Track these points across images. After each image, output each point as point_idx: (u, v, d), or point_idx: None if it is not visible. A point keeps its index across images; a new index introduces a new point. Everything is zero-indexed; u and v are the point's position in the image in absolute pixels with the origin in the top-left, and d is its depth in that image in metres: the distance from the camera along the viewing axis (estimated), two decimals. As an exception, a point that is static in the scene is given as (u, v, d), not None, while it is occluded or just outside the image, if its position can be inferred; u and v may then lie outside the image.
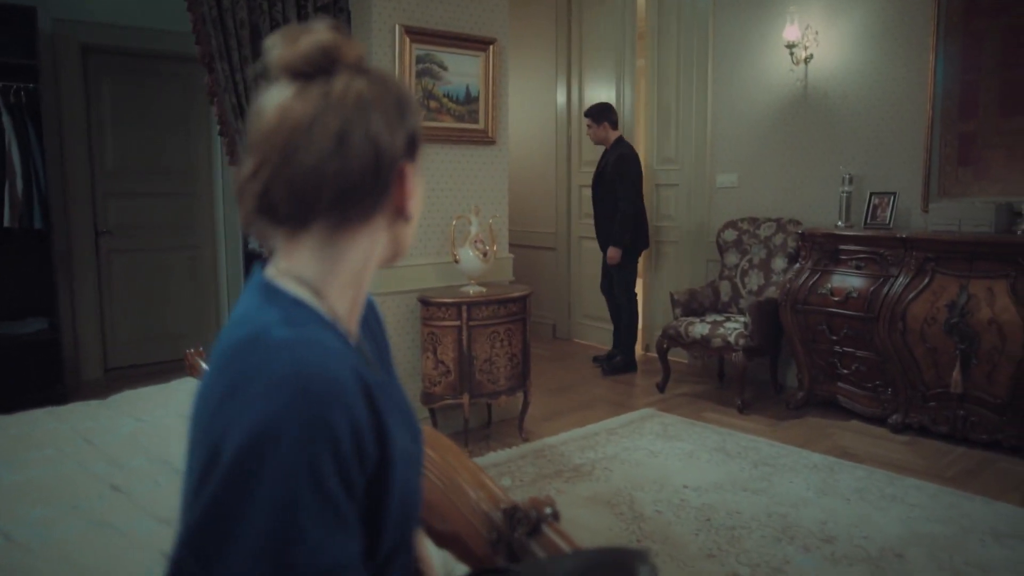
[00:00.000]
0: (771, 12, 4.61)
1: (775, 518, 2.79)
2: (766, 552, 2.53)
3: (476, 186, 3.87)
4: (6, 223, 4.10)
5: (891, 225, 3.98)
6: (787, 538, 2.63)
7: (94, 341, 4.88)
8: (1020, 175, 3.68)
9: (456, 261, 3.57)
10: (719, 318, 4.41)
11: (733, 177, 4.92)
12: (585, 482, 3.14)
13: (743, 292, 4.61)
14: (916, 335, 3.58)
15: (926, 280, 3.58)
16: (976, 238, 3.43)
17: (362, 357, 0.86)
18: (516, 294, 3.60)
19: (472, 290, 3.55)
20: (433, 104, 3.65)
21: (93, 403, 2.42)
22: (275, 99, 0.78)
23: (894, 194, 4.03)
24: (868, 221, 4.08)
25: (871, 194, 4.13)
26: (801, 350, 4.11)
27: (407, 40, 3.51)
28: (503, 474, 3.22)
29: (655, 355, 4.87)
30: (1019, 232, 3.44)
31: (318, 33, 0.79)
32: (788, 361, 4.54)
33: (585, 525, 2.72)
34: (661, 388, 4.56)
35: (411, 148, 0.85)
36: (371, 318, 1.01)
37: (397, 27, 3.48)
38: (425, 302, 3.48)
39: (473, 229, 3.57)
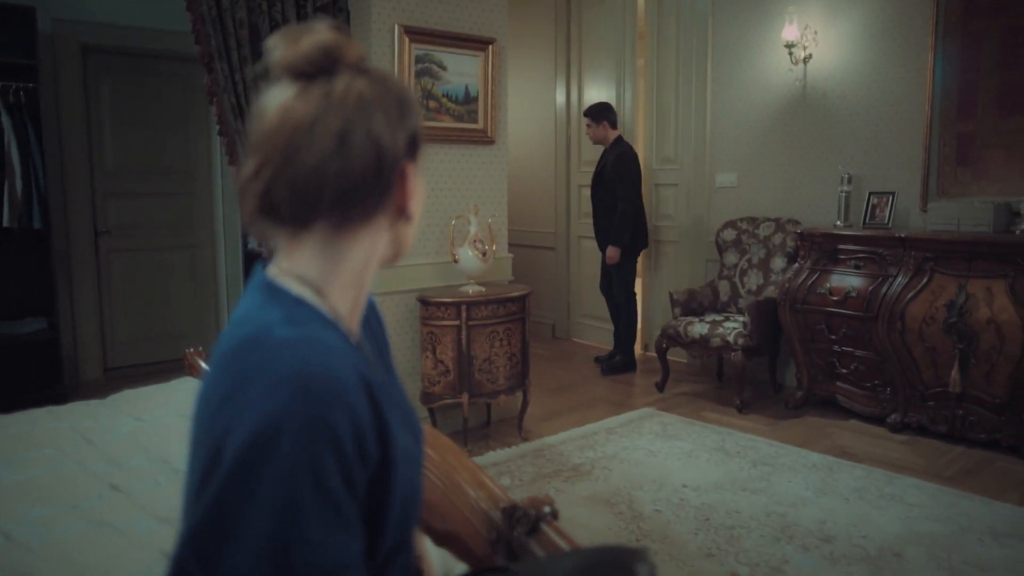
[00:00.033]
0: (770, 12, 4.61)
1: (774, 517, 2.79)
2: (765, 551, 2.54)
3: (475, 186, 3.87)
4: (5, 223, 4.09)
5: (890, 225, 3.98)
6: (786, 537, 2.64)
7: (93, 341, 4.88)
8: (1018, 175, 3.69)
9: (455, 261, 3.58)
10: (718, 318, 4.41)
11: (732, 177, 4.93)
12: (584, 481, 3.15)
13: (742, 292, 4.61)
14: (915, 335, 3.58)
15: (925, 280, 3.58)
16: (975, 238, 3.44)
17: (364, 356, 0.86)
18: (515, 294, 3.61)
19: (471, 290, 3.55)
20: (432, 104, 3.65)
21: (93, 403, 2.42)
22: (277, 99, 0.78)
23: (893, 194, 4.03)
24: (867, 221, 4.09)
25: (870, 194, 4.13)
26: (800, 350, 4.12)
27: (406, 40, 3.52)
28: (502, 473, 3.22)
29: (654, 355, 4.87)
30: (1017, 232, 3.44)
31: (319, 33, 0.79)
32: (787, 361, 4.54)
33: (584, 524, 2.73)
34: (660, 388, 4.56)
35: (412, 148, 0.85)
36: (372, 318, 1.01)
37: (396, 27, 3.48)
38: (424, 302, 3.49)
39: (472, 229, 3.57)
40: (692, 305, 4.59)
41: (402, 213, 0.86)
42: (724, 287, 4.70)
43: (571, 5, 5.89)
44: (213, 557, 0.69)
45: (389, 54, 3.50)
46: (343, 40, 0.80)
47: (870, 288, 3.77)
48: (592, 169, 5.23)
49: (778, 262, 4.47)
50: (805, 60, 4.43)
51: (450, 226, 3.69)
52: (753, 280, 4.57)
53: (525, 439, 3.71)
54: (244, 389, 0.72)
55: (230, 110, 3.21)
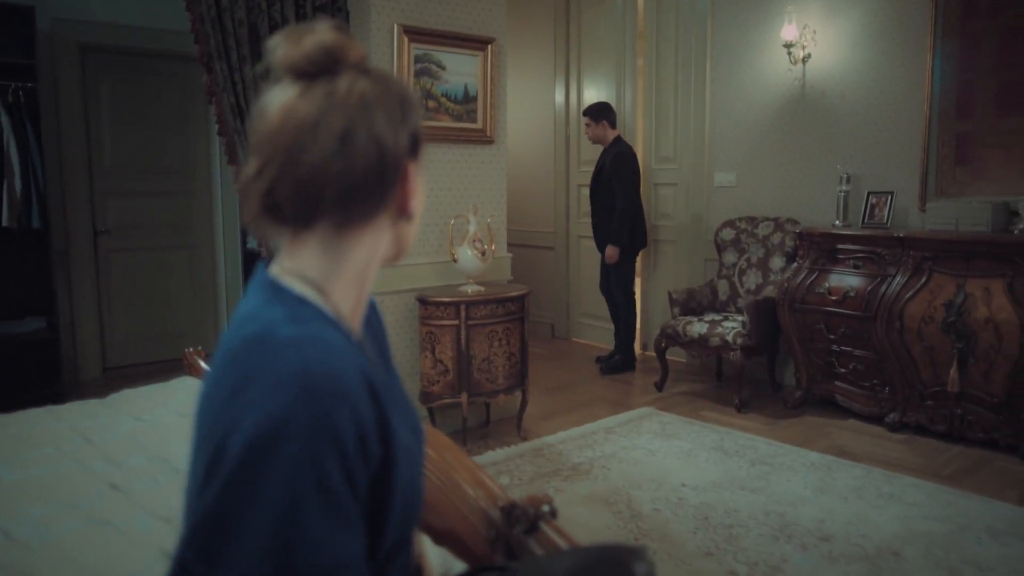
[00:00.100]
0: (769, 12, 4.62)
1: (773, 516, 2.80)
2: (763, 550, 2.54)
3: (474, 185, 3.87)
4: (4, 222, 4.09)
5: (888, 224, 3.99)
6: (784, 536, 2.64)
7: (93, 340, 4.88)
8: (1017, 175, 3.69)
9: (454, 260, 3.58)
10: (717, 317, 4.42)
11: (731, 176, 4.93)
12: (583, 481, 3.15)
13: (741, 291, 4.62)
14: (913, 334, 3.59)
15: (923, 279, 3.59)
16: (973, 237, 3.44)
17: (366, 355, 0.87)
18: (514, 293, 3.61)
19: (470, 289, 3.56)
20: (431, 104, 3.65)
21: (92, 402, 2.42)
22: (279, 99, 0.79)
23: (891, 193, 4.04)
24: (866, 220, 4.09)
25: (869, 193, 4.14)
26: (799, 349, 4.12)
27: (405, 40, 3.52)
28: (501, 473, 3.22)
29: (653, 354, 4.88)
30: (1016, 231, 3.45)
31: (321, 33, 0.80)
32: (786, 360, 4.55)
33: (583, 523, 2.73)
34: (659, 387, 4.56)
35: (414, 147, 0.85)
36: (372, 317, 1.01)
37: (395, 27, 3.48)
38: (423, 301, 3.49)
39: (471, 228, 3.58)
40: (691, 304, 4.60)
41: (404, 212, 0.86)
42: (723, 286, 4.71)
43: (570, 5, 5.89)
44: (215, 556, 0.69)
45: (388, 54, 3.50)
46: (345, 40, 0.80)
47: (869, 288, 3.77)
48: (591, 169, 5.23)
49: (777, 261, 4.48)
50: (804, 60, 4.43)
51: (449, 226, 3.69)
52: (752, 279, 4.57)
53: (524, 438, 3.71)
54: (247, 388, 0.72)
55: (229, 110, 3.22)
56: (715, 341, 4.18)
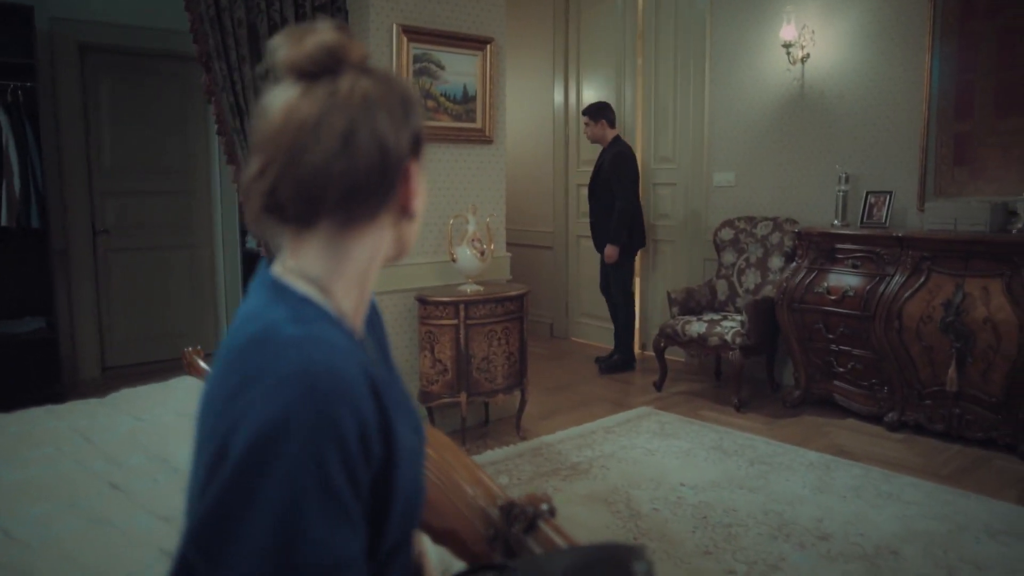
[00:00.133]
0: (768, 12, 4.62)
1: (771, 516, 2.80)
2: (762, 549, 2.55)
3: (473, 185, 3.87)
4: (3, 222, 4.09)
5: (887, 224, 3.99)
6: (783, 535, 2.64)
7: (92, 340, 4.88)
8: (1015, 175, 3.70)
9: (453, 260, 3.58)
10: (716, 317, 4.42)
11: (730, 176, 4.94)
12: (582, 480, 3.15)
13: (740, 291, 4.62)
14: (912, 334, 3.59)
15: (922, 279, 3.59)
16: (972, 237, 3.45)
17: (368, 355, 0.87)
18: (513, 293, 3.61)
19: (469, 289, 3.56)
20: (431, 103, 3.66)
21: (92, 401, 2.42)
22: (281, 99, 0.79)
23: (890, 193, 4.04)
24: (864, 220, 4.10)
25: (867, 193, 4.14)
26: (798, 349, 4.13)
27: (404, 39, 3.52)
28: (500, 472, 3.23)
29: (652, 354, 4.88)
30: (1014, 231, 3.45)
31: (323, 33, 0.80)
32: (785, 359, 4.55)
33: (582, 523, 2.73)
34: (658, 386, 4.57)
35: (415, 147, 0.85)
36: (373, 317, 1.01)
37: (395, 26, 3.49)
38: (423, 301, 3.49)
39: (470, 228, 3.58)
40: (690, 304, 4.60)
41: (405, 212, 0.87)
42: (722, 286, 4.71)
43: (570, 4, 5.90)
44: (217, 555, 0.69)
45: (387, 53, 3.51)
46: (347, 40, 0.80)
47: (867, 287, 3.78)
48: (590, 168, 5.24)
49: (776, 261, 4.48)
50: (803, 60, 4.43)
51: (448, 225, 3.69)
52: (751, 279, 4.58)
53: (523, 438, 3.71)
54: (249, 388, 0.72)
55: (228, 109, 3.22)
56: (714, 341, 4.19)
